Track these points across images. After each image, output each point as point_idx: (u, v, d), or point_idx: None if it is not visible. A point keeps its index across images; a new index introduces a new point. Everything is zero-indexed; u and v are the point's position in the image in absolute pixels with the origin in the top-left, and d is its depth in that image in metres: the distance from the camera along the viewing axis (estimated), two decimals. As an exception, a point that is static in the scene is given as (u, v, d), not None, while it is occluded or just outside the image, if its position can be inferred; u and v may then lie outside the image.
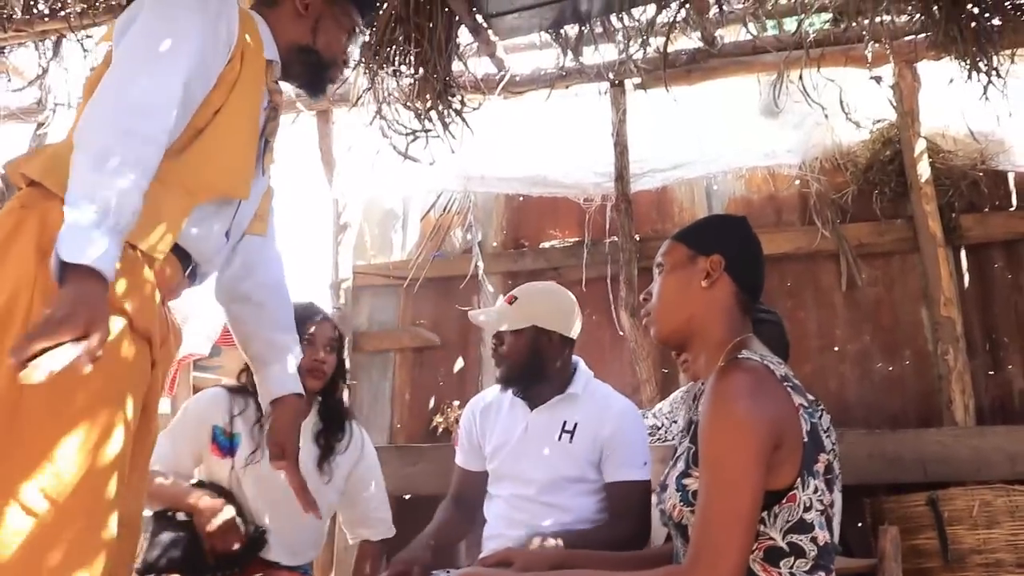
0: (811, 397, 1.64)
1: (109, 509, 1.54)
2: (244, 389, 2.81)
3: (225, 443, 2.73)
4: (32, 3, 3.63)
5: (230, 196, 1.86)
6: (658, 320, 1.83)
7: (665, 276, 1.84)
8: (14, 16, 3.61)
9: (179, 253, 1.77)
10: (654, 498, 1.80)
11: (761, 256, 1.87)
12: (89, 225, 1.45)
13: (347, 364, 3.09)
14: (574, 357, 2.89)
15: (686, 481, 1.61)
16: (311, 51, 2.05)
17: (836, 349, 3.97)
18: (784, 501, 1.51)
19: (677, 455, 1.73)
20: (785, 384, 1.57)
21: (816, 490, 1.53)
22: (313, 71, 2.10)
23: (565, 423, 2.73)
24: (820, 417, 1.62)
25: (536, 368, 2.76)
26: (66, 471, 1.47)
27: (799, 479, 1.51)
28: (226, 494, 2.68)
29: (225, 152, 1.82)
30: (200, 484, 2.74)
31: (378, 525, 3.00)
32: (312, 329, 2.80)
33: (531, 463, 2.73)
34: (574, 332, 2.84)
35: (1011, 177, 3.95)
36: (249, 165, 1.89)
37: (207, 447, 2.74)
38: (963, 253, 3.90)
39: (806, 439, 1.53)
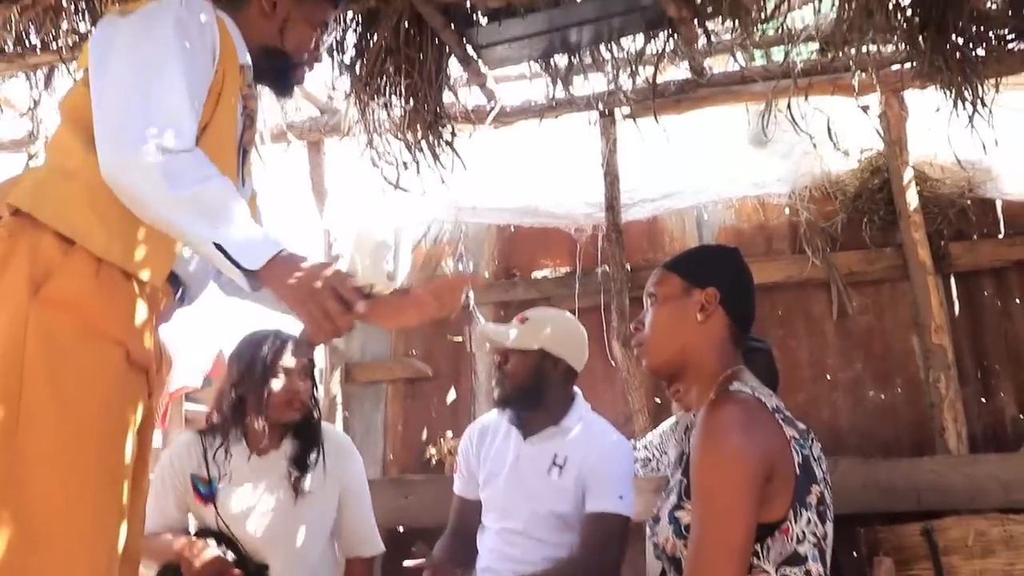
0: (802, 426, 1.63)
1: (113, 545, 1.53)
2: (214, 428, 2.80)
3: (205, 490, 2.72)
4: (24, 35, 3.64)
5: None
6: (650, 351, 1.82)
7: (658, 307, 1.84)
8: (5, 49, 3.62)
9: (169, 277, 1.74)
10: (647, 530, 1.79)
11: (753, 288, 1.88)
12: (231, 230, 1.50)
13: (319, 388, 3.06)
14: (574, 389, 2.87)
15: (679, 514, 1.61)
16: (279, 53, 1.95)
17: (828, 378, 3.97)
18: (777, 533, 1.50)
19: (669, 488, 1.72)
20: (776, 416, 1.57)
21: (809, 522, 1.52)
22: (280, 73, 2.01)
23: (556, 456, 2.71)
24: (811, 446, 1.62)
25: (537, 393, 2.74)
26: (69, 505, 1.45)
27: (791, 511, 1.51)
28: (225, 539, 2.66)
29: None
30: (200, 534, 2.72)
31: (369, 540, 2.94)
32: (284, 359, 2.76)
33: (520, 496, 2.71)
34: (580, 364, 2.84)
35: (999, 205, 3.96)
36: (234, 180, 1.83)
37: (191, 496, 2.73)
38: (953, 281, 3.91)
39: (798, 471, 1.52)
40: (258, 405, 2.71)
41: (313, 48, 2.04)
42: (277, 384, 2.72)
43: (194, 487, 2.73)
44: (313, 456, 2.79)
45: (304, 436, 2.82)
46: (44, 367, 1.46)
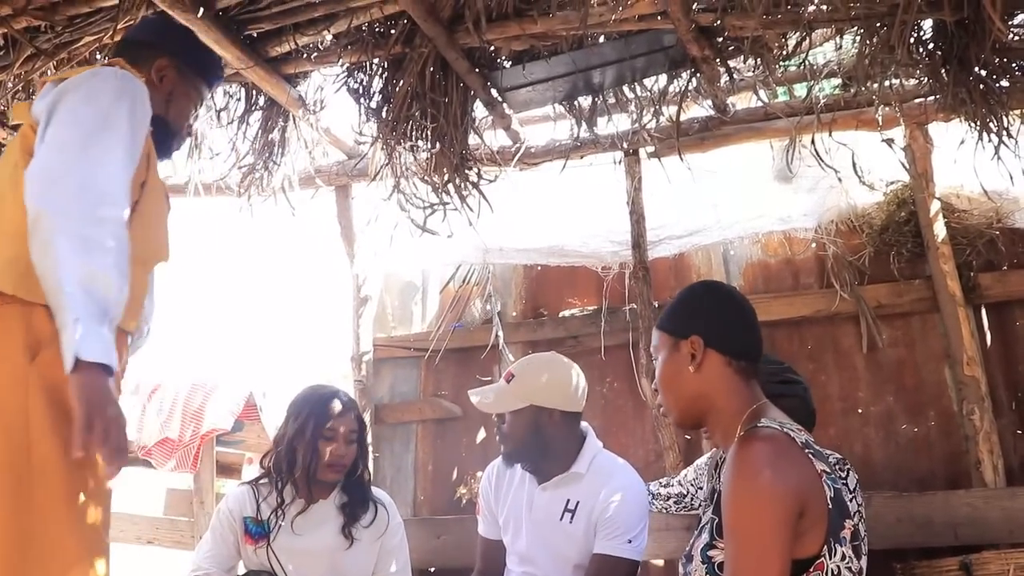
0: (834, 459, 1.63)
1: None
2: (266, 475, 3.01)
3: (256, 529, 2.91)
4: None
5: (165, 260, 2.00)
6: (668, 409, 1.86)
7: (659, 367, 1.87)
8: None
9: None
10: (680, 568, 1.78)
11: (742, 317, 1.85)
12: (96, 322, 1.51)
13: (369, 449, 3.25)
14: (584, 426, 2.84)
15: (711, 553, 1.61)
16: (163, 121, 2.11)
17: (860, 411, 3.94)
18: (812, 570, 1.49)
19: (701, 525, 1.72)
20: (806, 451, 1.57)
21: (844, 557, 1.51)
22: (162, 139, 2.14)
23: (568, 502, 2.69)
24: (847, 477, 1.61)
25: (539, 447, 2.71)
26: (78, 555, 1.55)
27: (825, 547, 1.50)
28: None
29: (157, 221, 1.97)
30: (249, 575, 2.94)
31: None
32: (334, 424, 2.94)
33: (536, 544, 2.70)
34: (576, 405, 2.78)
35: (1028, 235, 3.94)
36: (165, 245, 2.02)
37: (242, 538, 2.92)
38: (984, 312, 3.88)
39: (831, 506, 1.52)
40: (306, 463, 2.89)
41: (188, 123, 2.25)
42: (325, 447, 2.90)
43: (245, 528, 2.93)
44: (363, 507, 2.98)
45: (354, 488, 3.01)
46: (49, 422, 1.55)
